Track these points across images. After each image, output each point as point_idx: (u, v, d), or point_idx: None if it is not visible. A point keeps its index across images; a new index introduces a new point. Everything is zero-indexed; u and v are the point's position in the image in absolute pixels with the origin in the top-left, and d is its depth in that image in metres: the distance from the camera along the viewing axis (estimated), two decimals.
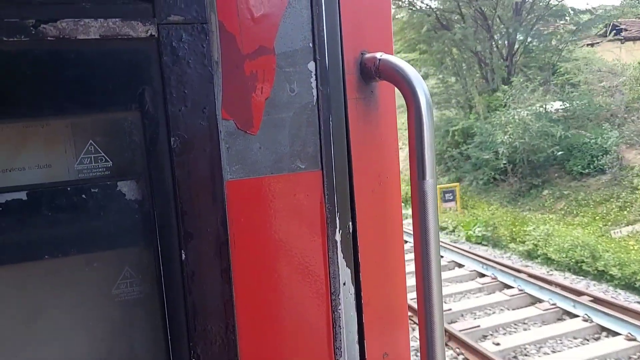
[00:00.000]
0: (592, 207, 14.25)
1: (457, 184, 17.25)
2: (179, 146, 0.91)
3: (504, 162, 16.50)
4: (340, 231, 1.07)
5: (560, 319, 8.19)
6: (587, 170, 15.60)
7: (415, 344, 6.41)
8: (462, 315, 8.42)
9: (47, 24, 0.82)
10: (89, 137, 0.90)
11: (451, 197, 16.05)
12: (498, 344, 7.24)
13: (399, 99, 1.09)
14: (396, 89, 1.07)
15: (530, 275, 9.66)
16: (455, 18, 20.48)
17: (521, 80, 17.63)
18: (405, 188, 12.26)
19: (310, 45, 1.02)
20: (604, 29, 20.75)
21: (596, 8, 20.00)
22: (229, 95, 0.96)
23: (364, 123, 1.09)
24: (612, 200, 14.11)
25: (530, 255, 11.89)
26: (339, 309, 1.08)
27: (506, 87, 17.92)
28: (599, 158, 15.39)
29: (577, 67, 18.20)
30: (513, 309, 8.61)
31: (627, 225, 12.68)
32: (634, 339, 7.11)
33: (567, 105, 17.33)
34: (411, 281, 1.29)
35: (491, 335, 7.73)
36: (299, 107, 1.02)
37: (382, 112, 1.12)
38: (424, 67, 21.95)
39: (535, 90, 17.07)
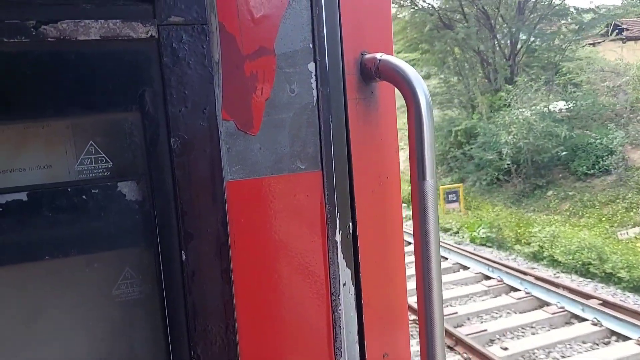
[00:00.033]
0: (597, 208, 14.15)
1: (461, 184, 17.17)
2: (179, 147, 0.91)
3: (508, 162, 16.43)
4: (341, 231, 1.07)
5: (568, 323, 8.09)
6: (592, 171, 15.51)
7: (415, 342, 6.38)
8: (469, 319, 8.34)
9: (48, 25, 0.82)
10: (90, 137, 0.91)
11: (454, 198, 15.95)
12: (506, 349, 7.15)
13: (399, 100, 1.09)
14: (396, 89, 1.07)
15: (537, 278, 9.57)
16: (458, 17, 20.45)
17: (525, 79, 17.57)
18: (407, 189, 12.24)
19: (310, 45, 1.02)
20: (606, 28, 20.67)
21: (599, 7, 19.91)
22: (229, 96, 0.96)
23: (364, 123, 1.09)
24: (618, 201, 14.02)
25: (535, 257, 11.81)
26: (339, 310, 1.08)
27: (510, 86, 17.85)
28: (604, 158, 15.30)
29: (580, 67, 18.12)
30: (520, 313, 8.52)
31: (634, 227, 12.58)
32: None
33: (571, 105, 17.26)
34: (411, 282, 1.29)
35: (498, 339, 7.64)
36: (299, 108, 1.02)
37: (382, 112, 1.12)
38: (426, 66, 21.91)
39: (538, 90, 17.00)
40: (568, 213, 14.57)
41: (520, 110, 16.50)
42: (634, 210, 13.32)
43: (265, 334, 1.03)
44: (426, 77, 22.28)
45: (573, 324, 8.03)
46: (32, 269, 0.89)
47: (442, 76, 21.81)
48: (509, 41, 20.08)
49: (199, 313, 0.94)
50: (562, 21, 20.21)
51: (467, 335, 7.48)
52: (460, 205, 15.92)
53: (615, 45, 20.14)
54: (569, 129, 16.00)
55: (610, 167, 15.05)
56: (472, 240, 13.46)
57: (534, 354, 7.13)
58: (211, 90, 0.93)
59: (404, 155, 7.71)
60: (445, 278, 10.11)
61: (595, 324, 7.73)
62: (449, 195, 15.95)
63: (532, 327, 7.97)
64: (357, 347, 1.11)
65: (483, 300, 9.16)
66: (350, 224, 1.08)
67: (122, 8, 0.87)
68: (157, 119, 0.90)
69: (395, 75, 1.03)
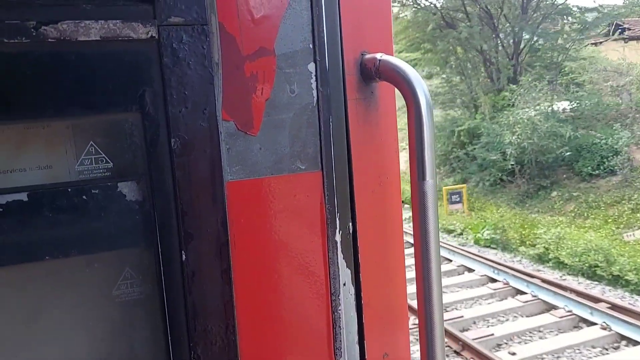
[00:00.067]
0: (603, 210, 14.05)
1: (464, 185, 17.09)
2: (179, 147, 0.91)
3: (512, 162, 16.35)
4: (340, 232, 1.07)
5: (577, 327, 7.97)
6: (597, 172, 15.41)
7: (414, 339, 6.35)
8: (475, 323, 8.23)
9: (48, 26, 0.82)
10: (90, 138, 0.91)
11: (458, 199, 15.83)
12: (514, 354, 7.05)
13: (400, 100, 1.09)
14: (396, 89, 1.07)
15: (544, 281, 9.44)
16: (460, 16, 20.39)
17: (530, 79, 17.50)
18: (407, 189, 12.18)
19: (311, 46, 1.02)
20: (608, 28, 20.56)
21: (603, 6, 19.81)
22: (229, 97, 0.97)
23: (364, 123, 1.09)
24: (623, 202, 13.91)
25: (541, 259, 11.72)
26: (339, 310, 1.07)
27: (514, 86, 17.78)
28: (609, 159, 15.21)
29: (582, 67, 18.03)
30: (527, 316, 8.41)
31: None
32: None
33: (575, 105, 17.17)
34: (411, 283, 1.28)
35: (506, 344, 7.53)
36: (299, 108, 1.02)
37: (382, 112, 1.12)
38: (429, 66, 21.85)
39: (542, 90, 16.93)
40: (573, 214, 14.48)
41: (524, 110, 16.43)
42: None
43: (265, 334, 1.03)
44: (428, 76, 22.23)
45: (582, 328, 7.91)
46: (32, 270, 0.90)
47: (444, 76, 21.76)
48: (512, 40, 20.01)
49: (199, 313, 0.94)
50: (566, 20, 20.12)
51: (473, 339, 7.37)
52: (464, 206, 15.83)
53: (617, 45, 20.05)
54: (574, 129, 15.93)
55: (616, 167, 14.96)
56: (476, 242, 13.39)
57: (542, 359, 7.02)
58: (211, 90, 0.93)
59: (404, 156, 7.67)
60: (450, 280, 10.05)
61: (604, 328, 7.59)
62: (453, 196, 15.83)
63: (540, 331, 7.86)
64: (357, 347, 1.11)
65: (489, 303, 9.05)
66: (350, 224, 1.08)
67: (122, 9, 0.87)
68: (157, 119, 0.90)
69: (395, 75, 1.03)
